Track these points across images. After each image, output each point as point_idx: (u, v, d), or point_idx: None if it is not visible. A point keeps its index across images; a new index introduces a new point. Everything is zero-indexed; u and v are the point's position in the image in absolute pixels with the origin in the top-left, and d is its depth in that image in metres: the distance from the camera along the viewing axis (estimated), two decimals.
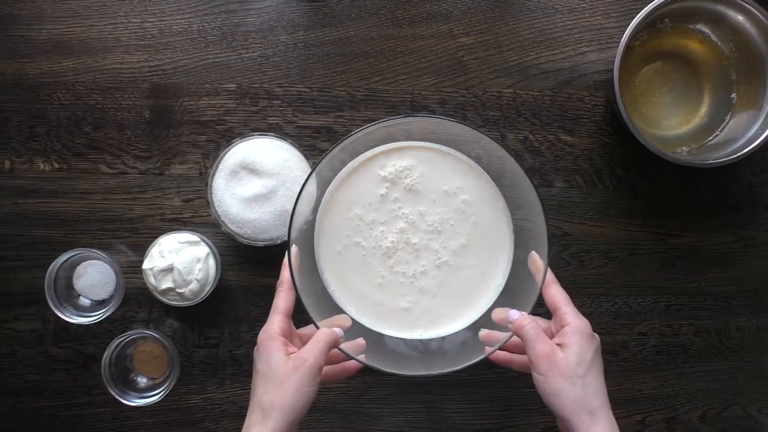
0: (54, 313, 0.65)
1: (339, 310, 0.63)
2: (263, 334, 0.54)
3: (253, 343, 0.69)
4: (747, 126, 0.66)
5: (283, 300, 0.56)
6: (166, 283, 0.64)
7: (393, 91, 0.70)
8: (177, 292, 0.64)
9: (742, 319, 0.72)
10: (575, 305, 0.70)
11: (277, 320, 0.54)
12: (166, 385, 0.66)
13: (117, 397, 0.65)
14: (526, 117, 0.70)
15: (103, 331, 0.69)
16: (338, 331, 0.56)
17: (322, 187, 0.67)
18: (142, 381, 0.68)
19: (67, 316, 0.65)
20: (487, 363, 0.70)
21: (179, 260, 0.64)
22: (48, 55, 0.69)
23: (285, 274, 0.57)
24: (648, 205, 0.71)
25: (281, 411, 0.49)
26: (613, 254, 0.71)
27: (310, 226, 0.67)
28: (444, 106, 0.70)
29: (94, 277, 0.68)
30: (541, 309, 0.70)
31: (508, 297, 0.67)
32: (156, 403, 0.66)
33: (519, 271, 0.67)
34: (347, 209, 0.67)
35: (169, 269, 0.64)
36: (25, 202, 0.69)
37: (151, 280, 0.64)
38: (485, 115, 0.70)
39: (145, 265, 0.64)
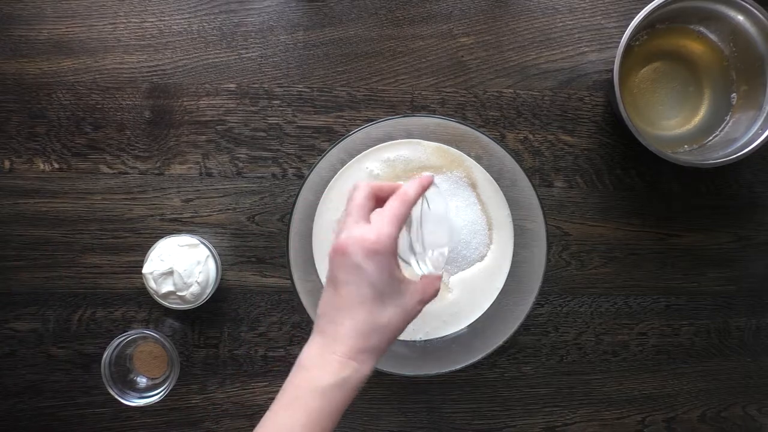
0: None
1: None
2: (387, 242, 0.46)
3: (253, 343, 0.69)
4: (747, 126, 0.66)
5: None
6: (167, 287, 0.64)
7: (393, 91, 0.70)
8: (178, 296, 0.64)
9: (742, 319, 0.72)
10: (575, 305, 0.71)
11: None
12: (166, 385, 0.66)
13: (117, 397, 0.65)
14: (526, 117, 0.70)
15: (103, 331, 0.69)
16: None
17: (323, 188, 0.67)
18: (142, 381, 0.68)
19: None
20: (487, 363, 0.71)
21: (179, 263, 0.64)
22: (48, 55, 0.69)
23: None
24: (648, 205, 0.71)
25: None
26: (613, 254, 0.71)
27: (310, 226, 0.67)
28: (444, 106, 0.70)
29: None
30: (541, 309, 0.71)
31: (508, 297, 0.67)
32: (156, 403, 0.66)
33: (519, 271, 0.67)
34: (336, 209, 0.67)
35: (170, 273, 0.64)
36: (25, 202, 0.69)
37: (152, 284, 0.64)
38: (485, 115, 0.70)
39: (145, 269, 0.64)
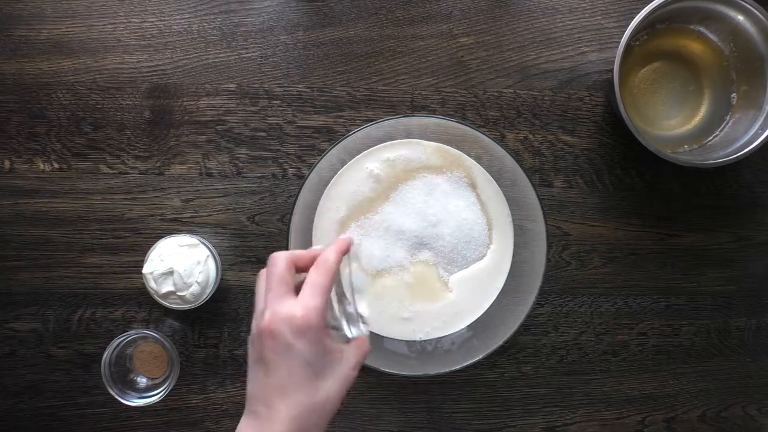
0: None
1: None
2: (315, 316, 0.45)
3: None
4: (747, 126, 0.66)
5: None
6: (167, 287, 0.64)
7: (393, 91, 0.70)
8: (178, 296, 0.64)
9: (742, 319, 0.72)
10: (575, 305, 0.71)
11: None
12: (166, 385, 0.66)
13: (117, 397, 0.65)
14: (526, 117, 0.70)
15: (103, 331, 0.69)
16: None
17: (323, 188, 0.67)
18: (142, 381, 0.68)
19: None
20: (487, 363, 0.71)
21: (179, 263, 0.64)
22: (48, 55, 0.69)
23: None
24: (648, 205, 0.71)
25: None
26: (613, 254, 0.71)
27: (310, 227, 0.67)
28: (444, 106, 0.70)
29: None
30: (541, 309, 0.71)
31: (508, 297, 0.67)
32: (156, 403, 0.66)
33: (519, 271, 0.67)
34: (336, 209, 0.67)
35: (170, 273, 0.64)
36: (25, 202, 0.69)
37: (152, 284, 0.64)
38: (485, 115, 0.70)
39: (145, 270, 0.64)
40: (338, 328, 0.49)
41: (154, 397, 0.65)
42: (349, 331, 0.50)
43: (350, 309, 0.51)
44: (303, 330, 0.44)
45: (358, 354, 0.48)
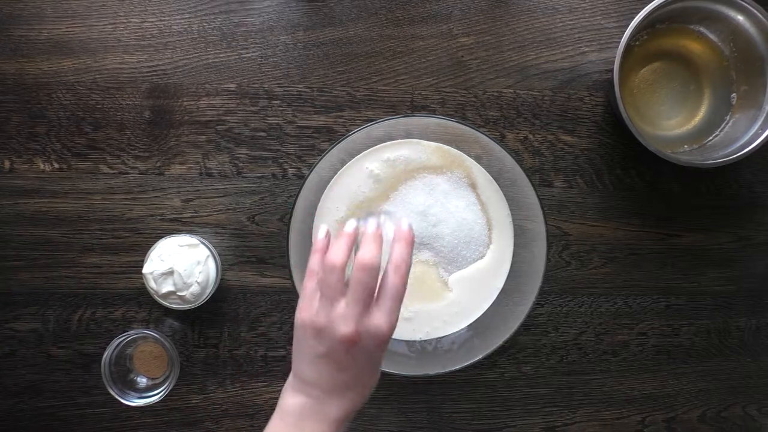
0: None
1: None
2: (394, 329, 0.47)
3: (253, 343, 0.69)
4: (747, 126, 0.66)
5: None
6: (167, 287, 0.64)
7: (393, 91, 0.70)
8: (178, 296, 0.64)
9: (742, 319, 0.72)
10: (575, 305, 0.71)
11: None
12: (166, 385, 0.66)
13: (117, 397, 0.65)
14: (526, 117, 0.70)
15: (103, 331, 0.69)
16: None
17: (323, 188, 0.67)
18: (142, 381, 0.68)
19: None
20: (487, 363, 0.71)
21: (179, 263, 0.64)
22: (48, 55, 0.69)
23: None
24: (648, 205, 0.71)
25: None
26: (613, 254, 0.71)
27: (310, 226, 0.67)
28: (444, 106, 0.70)
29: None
30: (541, 309, 0.71)
31: (508, 297, 0.67)
32: (156, 403, 0.66)
33: (519, 271, 0.67)
34: (336, 210, 0.67)
35: (170, 273, 0.64)
36: (25, 202, 0.69)
37: (152, 284, 0.64)
38: (485, 115, 0.70)
39: (145, 269, 0.64)
40: None
41: (154, 397, 0.65)
42: None
43: None
44: (385, 342, 0.47)
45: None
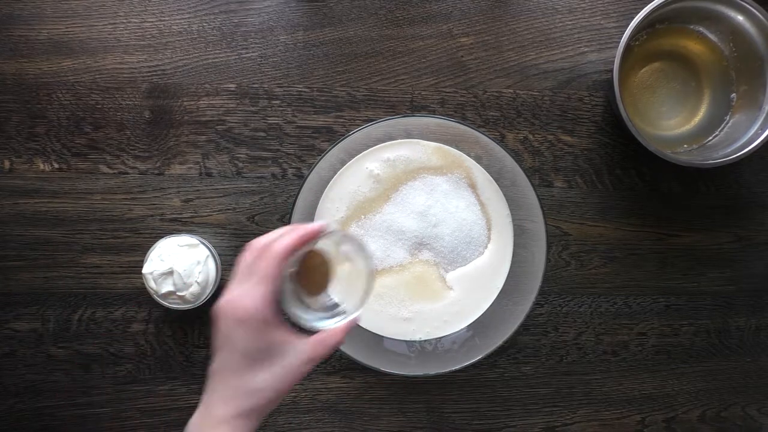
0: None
1: None
2: (257, 306, 0.45)
3: None
4: (747, 126, 0.66)
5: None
6: (167, 287, 0.64)
7: (393, 91, 0.70)
8: (178, 296, 0.64)
9: (742, 319, 0.72)
10: (575, 305, 0.71)
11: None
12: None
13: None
14: (526, 117, 0.70)
15: (103, 331, 0.69)
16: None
17: (323, 188, 0.67)
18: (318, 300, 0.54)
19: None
20: (487, 363, 0.71)
21: (179, 263, 0.64)
22: (48, 55, 0.69)
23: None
24: (648, 205, 0.71)
25: None
26: (612, 254, 0.71)
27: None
28: (444, 106, 0.70)
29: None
30: (541, 309, 0.71)
31: (508, 297, 0.67)
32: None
33: (519, 271, 0.67)
34: (336, 210, 0.67)
35: (170, 273, 0.64)
36: (25, 202, 0.69)
37: (152, 284, 0.64)
38: (485, 115, 0.70)
39: (145, 269, 0.64)
40: (298, 318, 0.48)
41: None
42: (308, 324, 0.48)
43: (325, 300, 0.49)
44: (243, 319, 0.44)
45: (318, 348, 0.47)
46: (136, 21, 0.69)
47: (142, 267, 0.65)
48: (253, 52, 0.69)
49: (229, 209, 0.69)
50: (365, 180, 0.66)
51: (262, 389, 0.45)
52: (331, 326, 0.48)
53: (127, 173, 0.69)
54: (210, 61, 0.69)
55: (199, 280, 0.64)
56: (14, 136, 0.69)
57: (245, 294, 0.45)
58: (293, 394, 0.69)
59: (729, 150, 0.65)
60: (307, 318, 0.49)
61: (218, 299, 0.46)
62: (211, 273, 0.65)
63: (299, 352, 0.46)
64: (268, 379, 0.45)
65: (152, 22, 0.69)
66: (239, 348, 0.45)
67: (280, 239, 0.47)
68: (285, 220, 0.69)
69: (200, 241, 0.66)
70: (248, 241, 0.46)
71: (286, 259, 0.46)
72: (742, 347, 0.72)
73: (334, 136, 0.69)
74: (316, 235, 0.48)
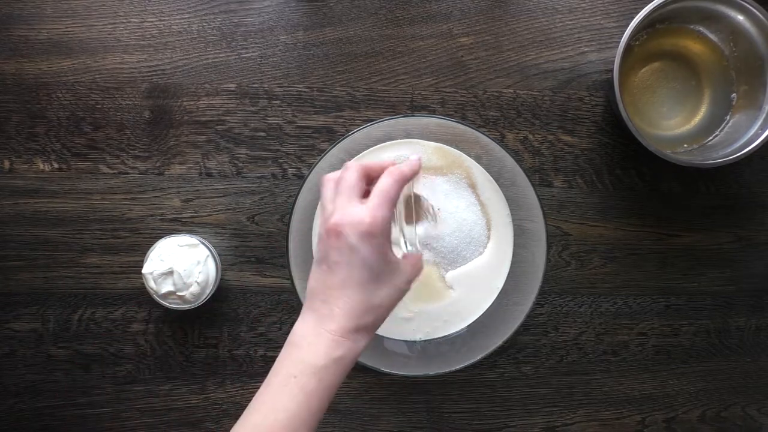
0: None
1: None
2: (382, 224, 0.46)
3: (253, 343, 0.69)
4: (747, 126, 0.66)
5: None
6: (167, 287, 0.64)
7: (393, 91, 0.69)
8: (178, 296, 0.64)
9: (742, 319, 0.72)
10: (575, 305, 0.71)
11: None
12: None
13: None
14: (526, 117, 0.70)
15: (103, 331, 0.69)
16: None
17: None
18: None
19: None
20: (487, 363, 0.71)
21: (179, 263, 0.64)
22: (47, 55, 0.68)
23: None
24: (648, 205, 0.71)
25: None
26: (612, 254, 0.71)
27: (309, 226, 0.67)
28: (444, 106, 0.70)
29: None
30: (541, 309, 0.71)
31: (508, 297, 0.67)
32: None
33: (519, 271, 0.67)
34: None
35: (169, 273, 0.64)
36: (25, 202, 0.69)
37: (152, 284, 0.64)
38: (485, 115, 0.70)
39: (145, 269, 0.64)
40: (396, 243, 0.51)
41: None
42: (406, 248, 0.53)
43: (409, 228, 0.53)
44: (368, 235, 0.45)
45: (414, 270, 0.50)
46: (136, 21, 0.69)
47: (142, 267, 0.65)
48: (253, 52, 0.69)
49: (229, 209, 0.69)
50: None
51: (381, 305, 0.47)
52: (418, 251, 0.54)
53: (127, 173, 0.69)
54: (210, 61, 0.69)
55: (199, 280, 0.64)
56: (14, 136, 0.69)
57: (372, 212, 0.46)
58: None
59: (729, 150, 0.65)
60: (402, 242, 0.53)
61: (331, 218, 0.46)
62: (211, 273, 0.65)
63: (404, 272, 0.49)
64: (388, 295, 0.48)
65: (152, 21, 0.69)
66: (367, 263, 0.46)
67: (399, 167, 0.49)
68: (285, 220, 0.69)
69: (200, 241, 0.66)
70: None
71: (406, 184, 0.49)
72: (742, 347, 0.72)
73: (334, 136, 0.69)
74: (419, 169, 0.52)
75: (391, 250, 0.48)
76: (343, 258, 0.46)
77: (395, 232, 0.52)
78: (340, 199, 0.47)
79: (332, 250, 0.46)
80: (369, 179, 0.50)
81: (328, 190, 0.49)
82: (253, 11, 0.69)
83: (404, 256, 0.52)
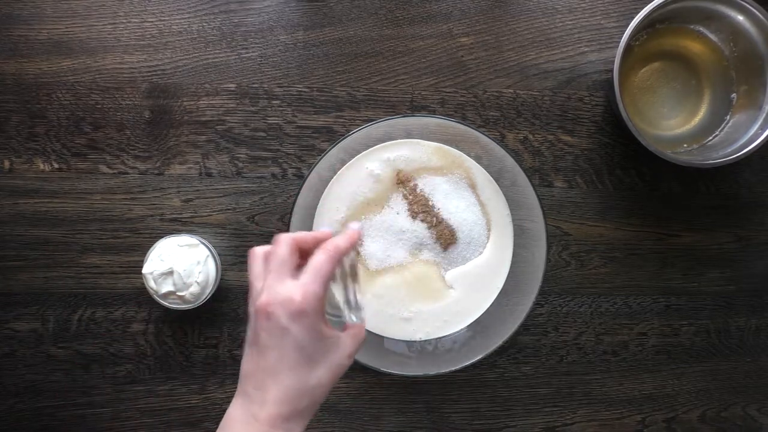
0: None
1: None
2: (313, 302, 0.44)
3: None
4: (747, 126, 0.66)
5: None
6: (167, 287, 0.64)
7: (393, 91, 0.69)
8: (178, 296, 0.64)
9: (742, 319, 0.72)
10: (575, 305, 0.71)
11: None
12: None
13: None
14: (526, 117, 0.70)
15: (103, 331, 0.69)
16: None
17: (323, 188, 0.67)
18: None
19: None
20: (487, 363, 0.71)
21: (179, 263, 0.64)
22: (47, 55, 0.68)
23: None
24: (648, 205, 0.71)
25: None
26: (612, 254, 0.71)
27: (310, 226, 0.67)
28: (444, 106, 0.70)
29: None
30: (541, 309, 0.71)
31: (508, 297, 0.67)
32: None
33: (519, 271, 0.67)
34: (336, 210, 0.67)
35: (170, 273, 0.64)
36: (25, 202, 0.69)
37: (152, 284, 0.64)
38: (485, 115, 0.70)
39: (145, 269, 0.64)
40: (337, 315, 0.49)
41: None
42: (349, 318, 0.50)
43: (350, 296, 0.51)
44: (299, 314, 0.43)
45: (355, 342, 0.48)
46: (136, 21, 0.69)
47: (142, 267, 0.65)
48: (253, 52, 0.69)
49: (229, 209, 0.69)
50: (365, 180, 0.66)
51: (319, 385, 0.45)
52: (361, 320, 0.51)
53: (127, 173, 0.69)
54: (210, 61, 0.69)
55: (199, 280, 0.64)
56: (14, 136, 0.69)
57: (303, 290, 0.44)
58: None
59: (729, 150, 0.65)
60: (343, 313, 0.51)
61: (259, 298, 0.44)
62: (211, 273, 0.65)
63: (343, 347, 0.46)
64: (326, 374, 0.45)
65: (152, 22, 0.69)
66: (299, 343, 0.43)
67: (334, 240, 0.47)
68: (285, 220, 0.69)
69: (200, 241, 0.66)
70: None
71: (341, 259, 0.47)
72: (742, 347, 0.72)
73: (334, 136, 0.69)
74: (358, 240, 0.49)
75: (327, 325, 0.46)
76: (274, 340, 0.43)
77: (332, 305, 0.50)
78: (270, 276, 0.45)
79: (262, 331, 0.44)
80: (302, 252, 0.47)
81: (256, 266, 0.47)
82: (253, 11, 0.69)
83: (345, 327, 0.49)
